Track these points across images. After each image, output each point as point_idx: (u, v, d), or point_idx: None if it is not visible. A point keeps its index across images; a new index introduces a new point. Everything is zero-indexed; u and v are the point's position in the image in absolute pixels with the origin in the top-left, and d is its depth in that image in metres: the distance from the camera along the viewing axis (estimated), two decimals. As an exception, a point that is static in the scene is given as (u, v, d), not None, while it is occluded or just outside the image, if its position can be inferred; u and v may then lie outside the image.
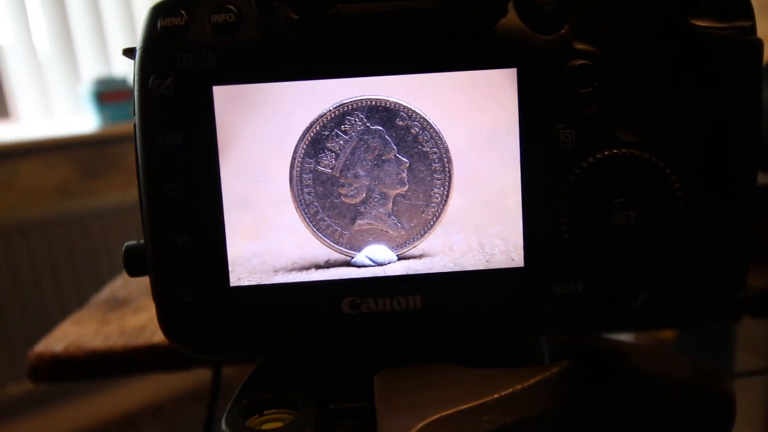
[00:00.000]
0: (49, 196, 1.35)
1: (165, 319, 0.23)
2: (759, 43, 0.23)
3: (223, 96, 0.22)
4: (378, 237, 0.23)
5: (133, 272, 0.24)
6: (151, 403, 1.40)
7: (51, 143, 1.32)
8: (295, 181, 0.22)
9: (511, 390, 0.21)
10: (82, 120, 1.38)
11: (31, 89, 1.34)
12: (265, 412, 0.22)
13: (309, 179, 0.22)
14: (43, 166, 1.34)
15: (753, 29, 0.23)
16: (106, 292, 0.55)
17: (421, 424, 0.19)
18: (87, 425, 1.34)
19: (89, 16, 1.37)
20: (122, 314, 0.49)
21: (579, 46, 0.22)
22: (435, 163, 0.23)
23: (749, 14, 0.23)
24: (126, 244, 0.25)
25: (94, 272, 1.36)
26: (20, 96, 1.33)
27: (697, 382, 0.33)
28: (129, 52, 0.24)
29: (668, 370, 0.33)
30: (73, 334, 0.46)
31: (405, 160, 0.23)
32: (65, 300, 1.33)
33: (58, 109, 1.38)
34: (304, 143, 0.22)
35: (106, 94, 1.33)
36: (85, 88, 1.34)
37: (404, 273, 0.23)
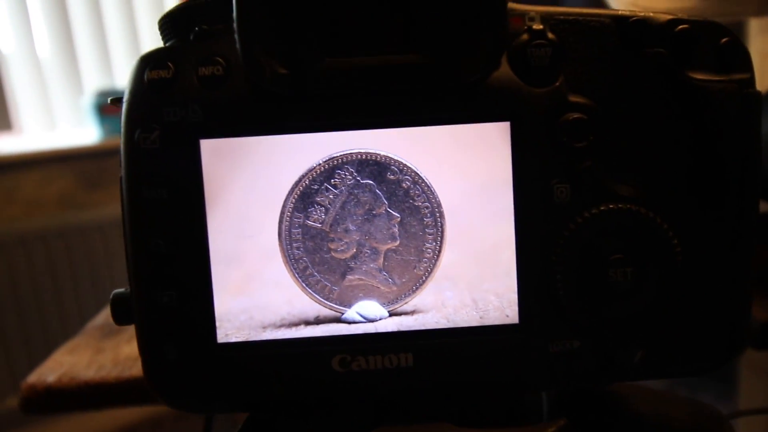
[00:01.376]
0: (50, 208, 1.35)
1: (151, 375, 0.22)
2: (758, 96, 0.23)
3: (210, 150, 0.21)
4: (369, 293, 0.22)
5: (120, 321, 0.24)
6: (150, 415, 1.39)
7: (52, 155, 1.32)
8: (284, 235, 0.22)
9: (504, 453, 0.21)
10: (84, 132, 1.38)
11: (33, 101, 1.34)
12: (251, 475, 0.21)
13: (298, 234, 0.22)
14: (44, 178, 1.34)
15: (752, 81, 0.23)
16: (101, 317, 0.55)
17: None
18: (86, 439, 1.33)
19: (92, 28, 1.37)
20: (117, 342, 0.48)
21: (573, 99, 0.22)
22: (427, 218, 0.22)
23: (747, 66, 0.23)
24: (114, 292, 0.24)
25: (95, 284, 1.36)
26: (22, 108, 1.34)
27: (697, 425, 0.32)
28: (117, 101, 0.23)
29: (668, 412, 0.32)
30: (67, 363, 0.45)
31: (396, 214, 0.22)
32: (65, 312, 1.33)
33: (60, 121, 1.38)
34: (293, 197, 0.22)
35: (108, 106, 1.33)
36: (87, 100, 1.34)
37: (396, 330, 0.22)
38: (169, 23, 0.23)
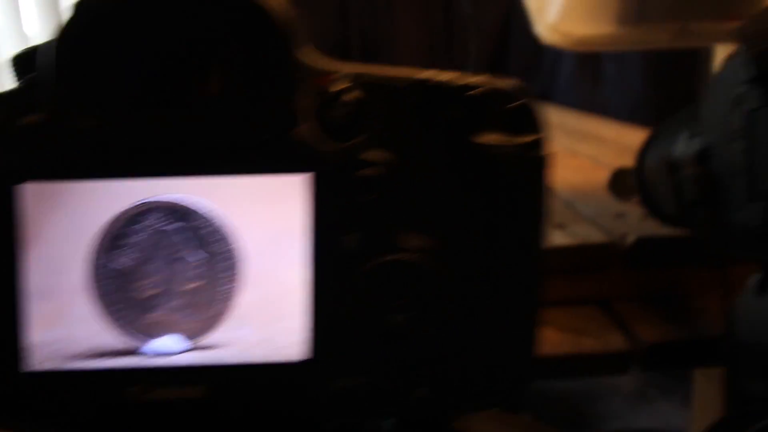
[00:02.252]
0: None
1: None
2: (541, 159, 0.24)
3: (30, 193, 0.23)
4: (170, 328, 0.24)
5: None
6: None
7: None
8: (91, 275, 0.24)
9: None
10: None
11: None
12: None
13: (105, 274, 0.24)
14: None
15: (538, 144, 0.24)
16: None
17: None
18: None
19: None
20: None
21: (371, 154, 0.24)
22: (227, 261, 0.24)
23: (535, 128, 0.25)
24: None
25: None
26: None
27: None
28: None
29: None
30: None
31: (198, 257, 0.24)
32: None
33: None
34: (102, 239, 0.24)
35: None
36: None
37: (192, 363, 0.24)
38: (13, 65, 0.25)
